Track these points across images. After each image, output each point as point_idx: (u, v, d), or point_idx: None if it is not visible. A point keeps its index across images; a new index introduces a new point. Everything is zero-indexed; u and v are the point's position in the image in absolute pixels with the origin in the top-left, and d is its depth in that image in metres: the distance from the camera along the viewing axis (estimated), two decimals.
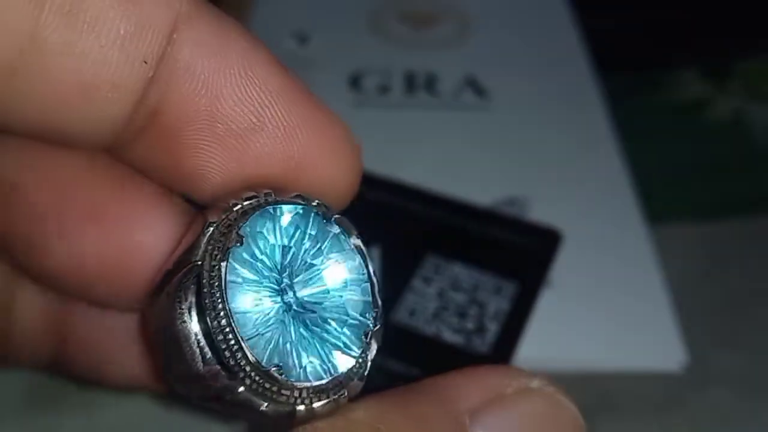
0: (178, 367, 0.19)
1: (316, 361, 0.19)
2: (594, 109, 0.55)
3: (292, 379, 0.18)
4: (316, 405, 0.19)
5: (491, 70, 0.58)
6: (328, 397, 0.19)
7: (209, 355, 0.18)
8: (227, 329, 0.18)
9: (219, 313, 0.18)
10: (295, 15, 0.63)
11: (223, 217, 0.19)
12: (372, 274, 0.20)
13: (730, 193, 0.52)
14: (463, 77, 0.58)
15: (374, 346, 0.20)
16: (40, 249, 0.22)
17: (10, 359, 0.26)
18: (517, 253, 0.41)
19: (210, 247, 0.19)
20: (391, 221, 0.42)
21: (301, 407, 0.19)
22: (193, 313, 0.18)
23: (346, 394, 0.19)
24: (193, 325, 0.18)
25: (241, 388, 0.18)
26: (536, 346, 0.38)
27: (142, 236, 0.22)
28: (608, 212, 0.47)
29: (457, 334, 0.37)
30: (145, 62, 0.18)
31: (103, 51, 0.18)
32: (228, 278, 0.18)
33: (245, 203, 0.20)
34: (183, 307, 0.18)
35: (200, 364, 0.18)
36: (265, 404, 0.18)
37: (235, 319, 0.18)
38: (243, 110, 0.19)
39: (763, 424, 0.38)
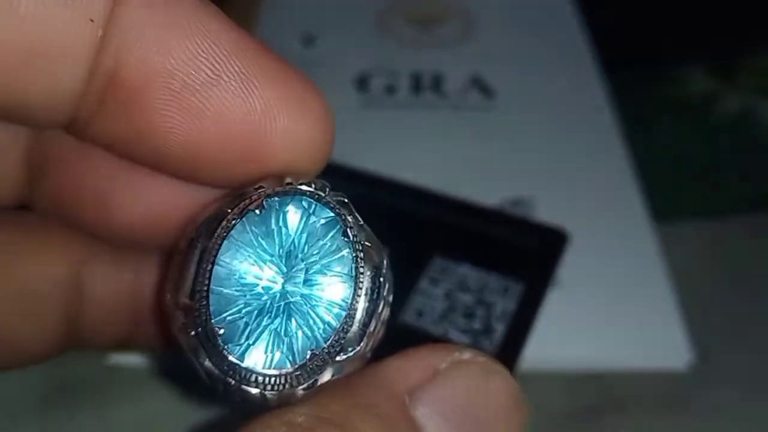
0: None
1: (257, 352, 0.19)
2: (600, 107, 0.55)
3: (230, 352, 0.19)
4: (251, 390, 0.19)
5: (497, 70, 0.58)
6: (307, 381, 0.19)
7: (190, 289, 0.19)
8: (206, 277, 0.19)
9: (208, 263, 0.19)
10: (302, 16, 0.63)
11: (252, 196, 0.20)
12: (354, 304, 0.20)
13: (738, 190, 0.52)
14: (469, 77, 0.58)
15: (315, 371, 0.19)
16: (111, 204, 0.22)
17: (87, 341, 0.26)
18: (524, 254, 0.41)
19: (237, 207, 0.19)
20: (398, 222, 0.42)
21: (233, 381, 0.19)
22: (196, 252, 0.19)
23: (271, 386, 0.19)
24: (192, 264, 0.19)
25: (192, 333, 0.19)
26: (543, 346, 0.39)
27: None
28: (614, 211, 0.47)
29: (465, 334, 0.37)
30: (92, 20, 0.18)
31: (46, 11, 0.17)
32: (233, 234, 0.19)
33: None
34: (194, 247, 0.19)
35: (185, 293, 0.19)
36: (206, 360, 0.19)
37: (215, 271, 0.19)
38: (197, 65, 0.19)
39: None
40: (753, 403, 0.39)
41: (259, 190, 0.20)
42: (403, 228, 0.42)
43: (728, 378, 0.40)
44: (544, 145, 0.52)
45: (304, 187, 0.20)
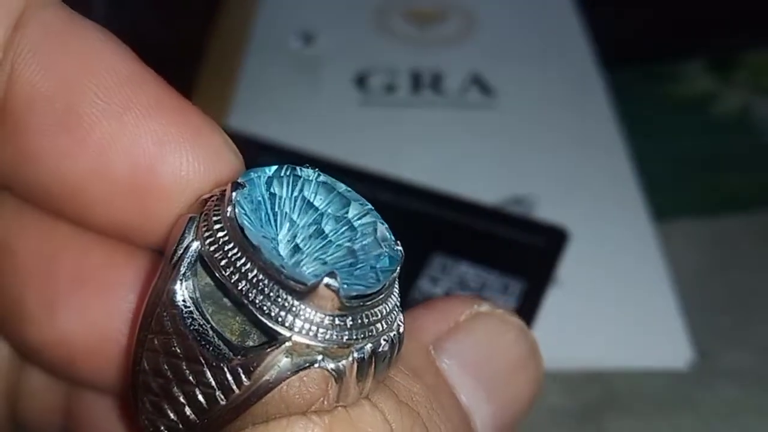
0: (185, 387, 0.17)
1: (362, 281, 0.16)
2: (599, 105, 0.55)
3: (349, 291, 0.15)
4: (368, 347, 0.16)
5: (496, 68, 0.58)
6: (378, 335, 0.16)
7: (226, 339, 0.16)
8: (249, 268, 0.15)
9: (236, 255, 0.16)
10: (301, 15, 0.63)
11: (203, 208, 0.17)
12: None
13: (737, 188, 0.52)
14: (469, 75, 0.58)
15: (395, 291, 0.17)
16: (26, 319, 0.21)
17: (27, 423, 0.25)
18: (524, 252, 0.41)
19: (203, 224, 0.17)
20: (398, 221, 0.42)
21: (356, 353, 0.16)
22: (189, 288, 0.17)
23: (392, 339, 0.17)
24: (191, 296, 0.16)
25: (287, 344, 0.15)
26: (543, 345, 0.38)
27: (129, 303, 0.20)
28: (614, 209, 0.47)
29: None
30: None
31: None
32: (240, 219, 0.16)
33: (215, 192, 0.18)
34: (180, 290, 0.17)
35: (224, 348, 0.16)
36: (319, 362, 0.15)
37: (262, 250, 0.15)
38: (83, 89, 0.18)
39: None
40: (754, 400, 0.39)
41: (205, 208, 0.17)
42: (403, 226, 0.42)
43: (729, 376, 0.40)
44: (544, 144, 0.52)
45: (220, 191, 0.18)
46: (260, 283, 0.16)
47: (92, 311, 0.20)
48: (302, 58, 0.59)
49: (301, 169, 0.18)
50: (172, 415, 0.18)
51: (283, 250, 0.16)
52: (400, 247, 0.17)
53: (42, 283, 0.20)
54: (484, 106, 0.55)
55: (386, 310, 0.17)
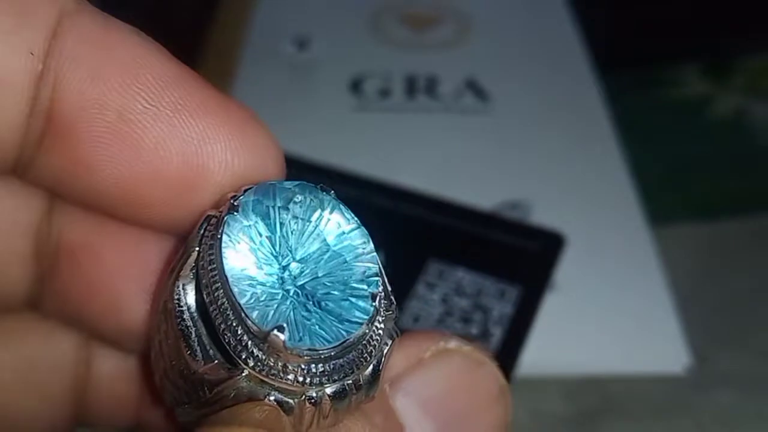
0: (174, 370, 0.18)
1: (323, 332, 0.17)
2: (594, 110, 0.55)
3: (298, 346, 0.16)
4: (328, 390, 0.17)
5: (491, 73, 0.58)
6: (341, 379, 0.17)
7: (206, 347, 0.17)
8: (221, 294, 0.17)
9: (213, 277, 0.17)
10: (295, 20, 0.63)
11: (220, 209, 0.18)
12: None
13: (732, 191, 0.52)
14: (464, 80, 0.58)
15: (383, 313, 0.18)
16: (125, 307, 0.21)
17: (95, 419, 0.25)
18: (521, 257, 0.41)
19: (207, 231, 0.18)
20: (394, 226, 0.42)
21: (312, 393, 0.17)
22: (189, 289, 0.17)
23: (360, 380, 0.17)
24: (188, 298, 0.17)
25: (245, 372, 0.16)
26: (541, 350, 0.38)
27: None
28: (610, 214, 0.47)
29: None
30: (32, 53, 0.18)
31: None
32: (223, 244, 0.17)
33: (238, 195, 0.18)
34: (178, 288, 0.18)
35: (199, 355, 0.17)
36: (270, 395, 0.17)
37: (230, 283, 0.16)
38: (132, 95, 0.18)
39: None
40: (752, 405, 0.39)
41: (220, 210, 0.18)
42: (399, 232, 0.42)
43: (726, 381, 0.39)
44: (540, 148, 0.52)
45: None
46: (227, 312, 0.17)
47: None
48: (296, 63, 0.59)
49: (319, 191, 0.18)
50: (172, 389, 0.19)
51: (259, 285, 0.17)
52: (375, 303, 0.17)
53: (134, 274, 0.21)
54: (479, 110, 0.55)
55: (361, 354, 0.17)
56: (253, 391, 0.17)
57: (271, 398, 0.17)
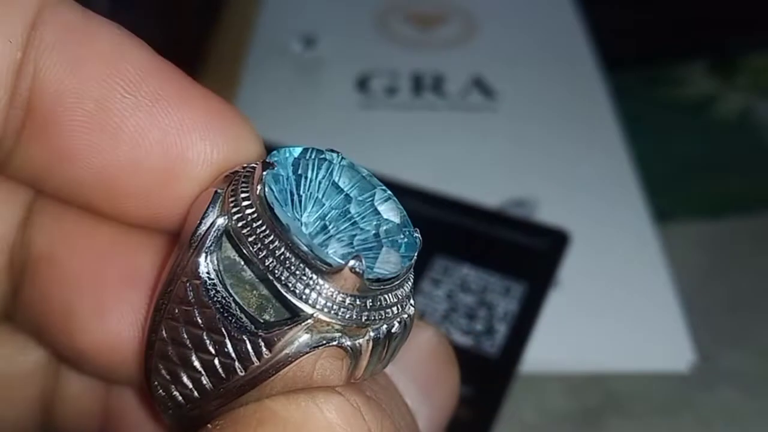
0: (203, 353, 0.18)
1: (385, 264, 0.17)
2: (601, 108, 0.55)
3: (374, 273, 0.16)
4: (384, 328, 0.17)
5: (498, 70, 0.58)
6: (394, 317, 0.17)
7: (248, 312, 0.17)
8: (277, 246, 0.16)
9: (264, 232, 0.16)
10: (302, 18, 0.63)
11: (226, 184, 0.18)
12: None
13: (738, 189, 0.52)
14: (470, 78, 0.58)
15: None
16: (77, 326, 0.21)
17: (62, 430, 0.25)
18: (526, 254, 0.41)
19: (231, 200, 0.17)
20: None
21: (371, 333, 0.16)
22: (212, 261, 0.17)
23: (405, 320, 0.17)
24: (213, 272, 0.17)
25: (313, 315, 0.16)
26: (545, 347, 0.39)
27: None
28: (616, 212, 0.47)
29: (467, 336, 0.37)
30: (10, 41, 0.17)
31: None
32: (268, 197, 0.16)
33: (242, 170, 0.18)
34: (206, 260, 0.17)
35: (245, 321, 0.16)
36: (340, 338, 0.16)
37: (291, 231, 0.16)
38: (111, 85, 0.18)
39: None
40: (756, 403, 0.39)
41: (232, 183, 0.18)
42: None
43: (730, 379, 0.40)
44: (546, 146, 0.52)
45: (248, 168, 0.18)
46: (287, 261, 0.16)
47: (142, 312, 0.20)
48: (303, 61, 0.59)
49: (325, 151, 0.19)
50: (187, 383, 0.18)
51: (310, 230, 0.17)
52: (418, 234, 0.18)
53: (91, 289, 0.21)
54: (485, 108, 0.55)
55: (402, 294, 0.17)
56: (317, 340, 0.16)
57: (343, 341, 0.16)
